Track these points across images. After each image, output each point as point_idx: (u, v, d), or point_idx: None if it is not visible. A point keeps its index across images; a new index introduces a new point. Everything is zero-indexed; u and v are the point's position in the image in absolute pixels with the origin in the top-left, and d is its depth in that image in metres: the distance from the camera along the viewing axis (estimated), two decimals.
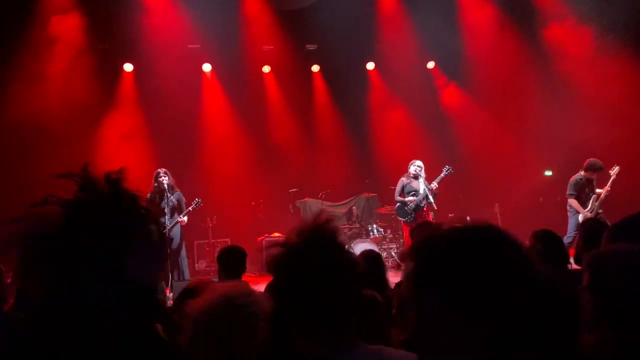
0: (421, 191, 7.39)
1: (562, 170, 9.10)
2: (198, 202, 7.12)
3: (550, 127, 10.44)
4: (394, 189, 7.92)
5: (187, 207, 6.99)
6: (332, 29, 10.11)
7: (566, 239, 6.88)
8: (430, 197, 7.27)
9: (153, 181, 6.95)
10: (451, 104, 11.69)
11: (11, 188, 8.80)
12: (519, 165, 10.80)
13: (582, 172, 7.28)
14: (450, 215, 10.82)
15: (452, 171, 7.42)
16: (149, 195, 6.97)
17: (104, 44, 9.96)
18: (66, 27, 9.42)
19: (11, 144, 8.85)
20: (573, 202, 7.26)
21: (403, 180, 7.58)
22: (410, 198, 7.38)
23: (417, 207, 7.41)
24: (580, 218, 7.10)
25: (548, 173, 11.08)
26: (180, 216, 6.91)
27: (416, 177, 7.51)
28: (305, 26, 10.50)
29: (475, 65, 11.03)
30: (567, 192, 7.36)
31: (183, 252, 6.95)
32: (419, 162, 7.52)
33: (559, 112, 10.19)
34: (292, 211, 10.80)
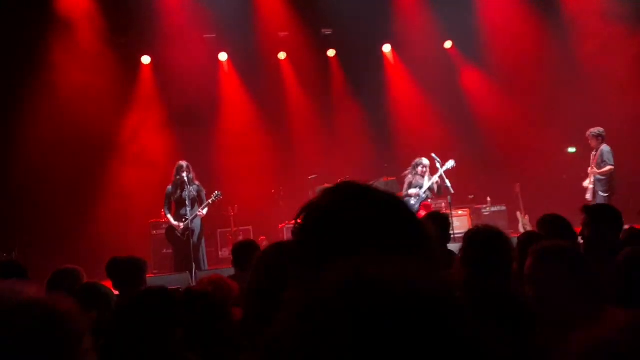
0: (425, 187, 7.86)
1: (585, 147, 8.92)
2: (218, 194, 7.17)
3: (572, 104, 10.21)
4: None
5: (207, 199, 7.09)
6: (347, 12, 10.02)
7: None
8: (436, 190, 7.89)
9: (174, 173, 7.09)
10: (470, 84, 11.50)
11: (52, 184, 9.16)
12: (541, 144, 10.61)
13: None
14: (470, 196, 10.77)
15: (454, 165, 7.95)
16: (169, 187, 7.13)
17: (123, 37, 10.08)
18: (85, 23, 9.60)
19: (47, 140, 9.19)
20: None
21: (409, 177, 8.00)
22: (412, 191, 7.84)
23: (419, 200, 7.83)
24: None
25: (572, 150, 10.85)
26: (200, 209, 7.04)
27: (423, 175, 7.95)
28: (320, 10, 10.42)
29: (493, 43, 10.82)
30: (611, 163, 7.56)
31: (202, 244, 7.09)
32: (425, 161, 7.96)
33: (580, 87, 9.95)
34: (311, 198, 10.84)
